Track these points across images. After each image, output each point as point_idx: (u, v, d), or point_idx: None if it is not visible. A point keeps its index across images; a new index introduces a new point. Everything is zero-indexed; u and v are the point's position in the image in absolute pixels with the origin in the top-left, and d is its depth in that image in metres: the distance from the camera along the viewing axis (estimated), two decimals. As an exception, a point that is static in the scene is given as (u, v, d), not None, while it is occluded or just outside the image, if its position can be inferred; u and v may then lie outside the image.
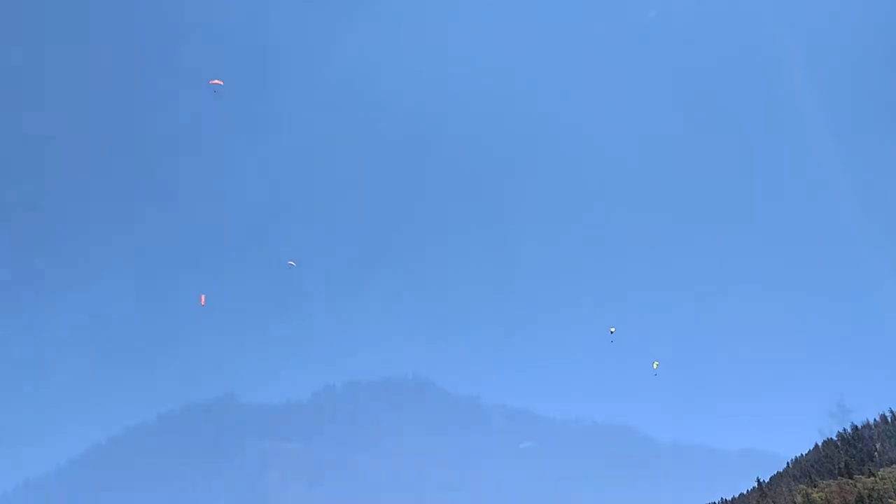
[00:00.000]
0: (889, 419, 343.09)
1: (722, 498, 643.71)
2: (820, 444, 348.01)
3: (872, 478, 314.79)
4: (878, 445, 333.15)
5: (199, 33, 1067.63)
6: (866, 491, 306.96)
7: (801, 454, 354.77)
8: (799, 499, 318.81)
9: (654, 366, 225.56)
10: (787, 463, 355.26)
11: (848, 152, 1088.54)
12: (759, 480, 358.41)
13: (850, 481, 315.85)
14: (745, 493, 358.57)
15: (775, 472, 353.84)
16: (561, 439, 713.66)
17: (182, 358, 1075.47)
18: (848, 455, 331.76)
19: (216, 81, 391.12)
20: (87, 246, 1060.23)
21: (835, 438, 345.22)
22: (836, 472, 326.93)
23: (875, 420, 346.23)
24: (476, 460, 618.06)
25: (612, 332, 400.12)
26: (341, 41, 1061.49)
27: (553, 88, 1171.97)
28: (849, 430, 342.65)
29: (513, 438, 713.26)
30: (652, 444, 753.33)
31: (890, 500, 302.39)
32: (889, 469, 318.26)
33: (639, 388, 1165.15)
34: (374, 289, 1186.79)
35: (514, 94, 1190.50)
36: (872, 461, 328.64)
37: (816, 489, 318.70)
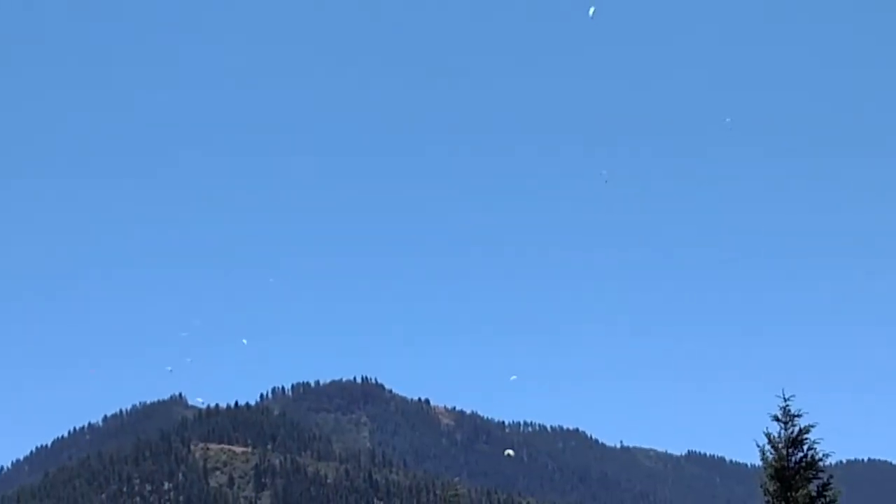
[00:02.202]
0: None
1: None
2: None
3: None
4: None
5: None
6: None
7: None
8: None
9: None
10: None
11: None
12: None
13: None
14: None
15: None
16: (508, 444, 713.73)
17: (129, 360, 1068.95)
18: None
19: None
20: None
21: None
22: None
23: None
24: (426, 464, 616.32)
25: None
26: None
27: None
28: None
29: (463, 442, 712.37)
30: (600, 448, 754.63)
31: None
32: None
33: (584, 387, 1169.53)
34: (323, 291, 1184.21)
35: None
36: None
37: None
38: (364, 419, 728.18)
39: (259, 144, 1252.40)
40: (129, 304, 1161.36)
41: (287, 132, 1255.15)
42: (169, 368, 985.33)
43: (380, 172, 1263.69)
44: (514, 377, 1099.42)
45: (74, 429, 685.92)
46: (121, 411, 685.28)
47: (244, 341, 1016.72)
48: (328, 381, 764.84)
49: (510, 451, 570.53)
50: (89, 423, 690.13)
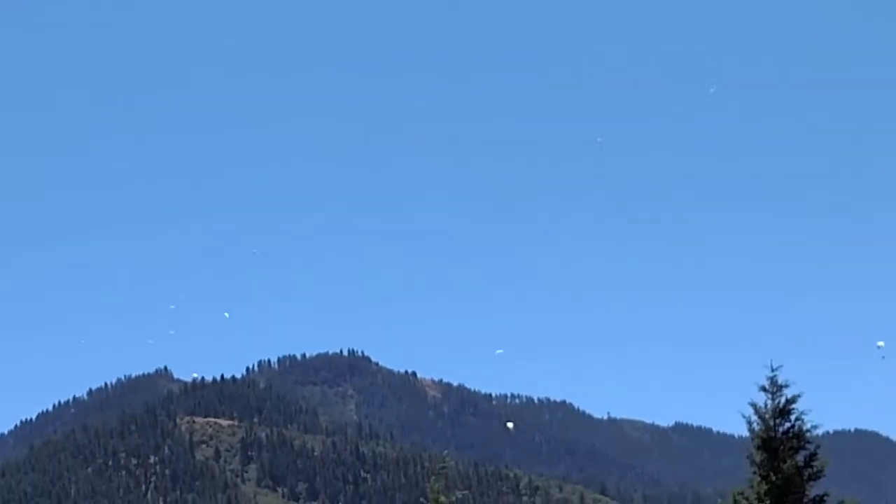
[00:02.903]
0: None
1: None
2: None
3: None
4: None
5: None
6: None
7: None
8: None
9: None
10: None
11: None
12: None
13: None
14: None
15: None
16: (495, 416, 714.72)
17: (113, 333, 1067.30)
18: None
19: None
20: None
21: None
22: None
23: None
24: (413, 436, 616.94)
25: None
26: None
27: None
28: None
29: (450, 414, 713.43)
30: (588, 420, 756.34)
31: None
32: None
33: (571, 360, 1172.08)
34: (309, 264, 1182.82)
35: None
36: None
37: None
38: (351, 392, 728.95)
39: (243, 115, 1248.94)
40: (114, 278, 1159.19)
41: (271, 100, 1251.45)
42: (150, 341, 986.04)
43: (365, 143, 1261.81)
44: (500, 351, 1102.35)
45: (59, 402, 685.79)
46: (106, 385, 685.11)
47: (226, 314, 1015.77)
48: (314, 353, 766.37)
49: (510, 424, 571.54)
50: (74, 397, 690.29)
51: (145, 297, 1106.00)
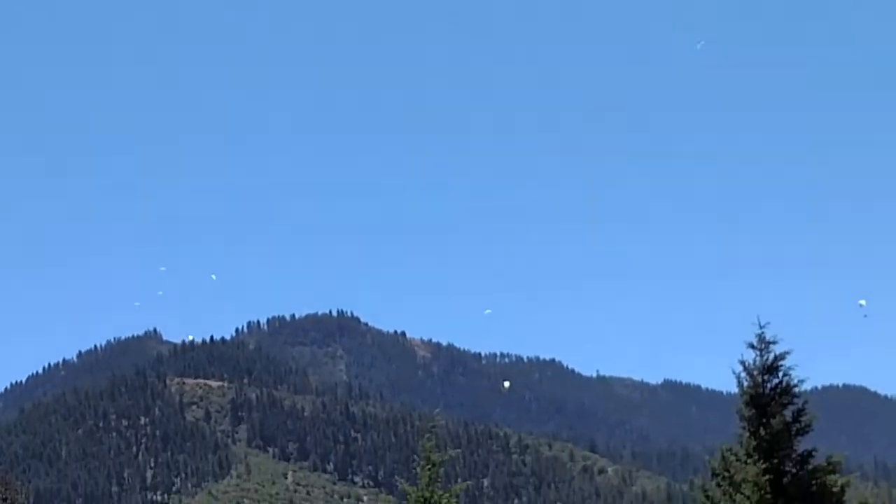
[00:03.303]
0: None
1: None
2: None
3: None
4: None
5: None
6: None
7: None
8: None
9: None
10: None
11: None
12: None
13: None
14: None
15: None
16: (485, 375, 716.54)
17: (104, 296, 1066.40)
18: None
19: None
20: None
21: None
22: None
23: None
24: (403, 396, 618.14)
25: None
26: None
27: None
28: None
29: (440, 373, 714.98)
30: (577, 378, 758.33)
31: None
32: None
33: (560, 318, 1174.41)
34: (298, 224, 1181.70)
35: None
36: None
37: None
38: (340, 352, 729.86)
39: (231, 68, 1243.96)
40: (102, 240, 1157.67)
41: (256, 41, 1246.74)
42: (137, 304, 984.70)
43: (354, 96, 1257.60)
44: (488, 311, 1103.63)
45: (49, 365, 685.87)
46: (95, 347, 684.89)
47: (213, 276, 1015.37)
48: (304, 314, 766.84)
49: (507, 383, 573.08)
50: (64, 359, 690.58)
51: (134, 260, 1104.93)
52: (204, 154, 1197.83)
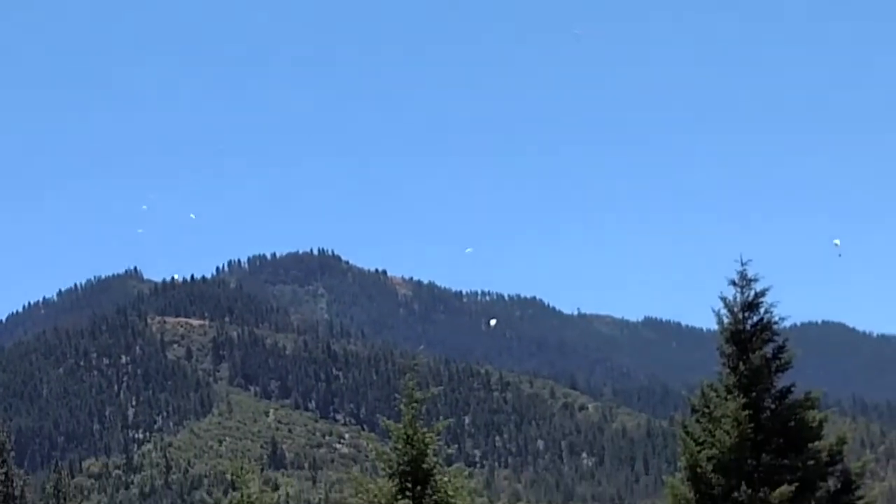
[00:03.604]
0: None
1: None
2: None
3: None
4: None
5: None
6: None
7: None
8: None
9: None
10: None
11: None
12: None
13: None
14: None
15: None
16: (466, 313, 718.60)
17: (84, 234, 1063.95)
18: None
19: None
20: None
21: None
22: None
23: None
24: (384, 334, 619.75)
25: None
26: None
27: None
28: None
29: (421, 312, 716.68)
30: (558, 315, 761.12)
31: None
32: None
33: (541, 256, 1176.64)
34: (277, 161, 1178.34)
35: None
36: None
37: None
38: (321, 291, 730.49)
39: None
40: (83, 177, 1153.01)
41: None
42: (116, 242, 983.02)
43: (341, 36, 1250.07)
44: (469, 250, 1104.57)
45: (29, 303, 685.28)
46: (75, 286, 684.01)
47: (192, 216, 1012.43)
48: (284, 253, 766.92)
49: (493, 321, 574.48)
50: (44, 298, 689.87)
51: (114, 198, 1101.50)
52: (185, 89, 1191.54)
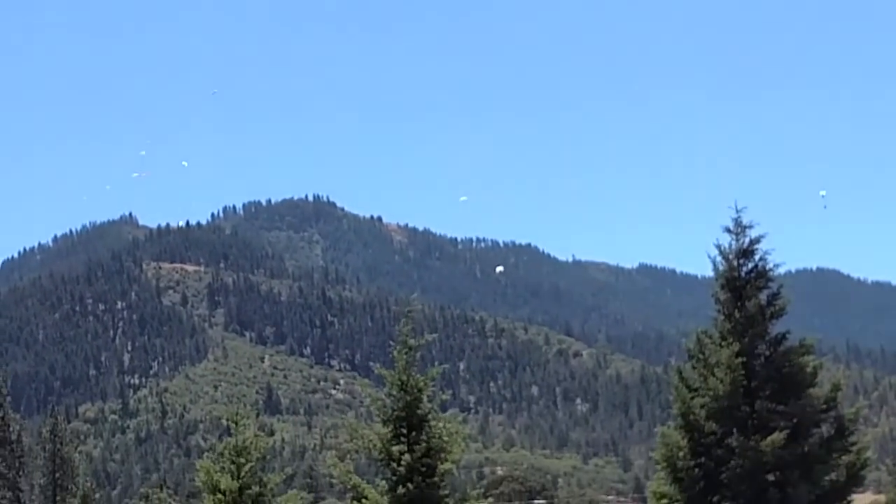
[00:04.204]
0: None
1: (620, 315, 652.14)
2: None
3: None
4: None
5: None
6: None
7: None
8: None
9: None
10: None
11: None
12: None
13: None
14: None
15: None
16: (461, 259, 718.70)
17: (79, 178, 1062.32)
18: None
19: None
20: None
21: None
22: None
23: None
24: (379, 281, 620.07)
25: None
26: None
27: None
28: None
29: (416, 258, 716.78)
30: (552, 262, 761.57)
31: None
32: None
33: (536, 203, 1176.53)
34: (272, 106, 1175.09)
35: None
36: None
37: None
38: (316, 237, 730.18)
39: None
40: (78, 122, 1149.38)
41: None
42: (107, 187, 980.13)
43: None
44: (464, 198, 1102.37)
45: (24, 249, 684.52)
46: (71, 231, 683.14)
47: (184, 163, 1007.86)
48: (280, 199, 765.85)
49: (500, 268, 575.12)
50: (39, 244, 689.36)
51: (110, 143, 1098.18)
52: (180, 35, 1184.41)
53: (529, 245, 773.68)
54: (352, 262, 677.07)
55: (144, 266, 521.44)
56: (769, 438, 34.74)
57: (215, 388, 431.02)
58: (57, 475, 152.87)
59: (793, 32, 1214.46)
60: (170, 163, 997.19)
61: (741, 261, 37.88)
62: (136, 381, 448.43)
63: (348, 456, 41.82)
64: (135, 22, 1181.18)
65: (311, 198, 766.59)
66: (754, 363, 36.49)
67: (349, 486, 35.35)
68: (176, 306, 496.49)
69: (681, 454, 36.25)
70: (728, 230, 38.12)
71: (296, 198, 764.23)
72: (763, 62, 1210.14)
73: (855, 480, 36.18)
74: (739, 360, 35.80)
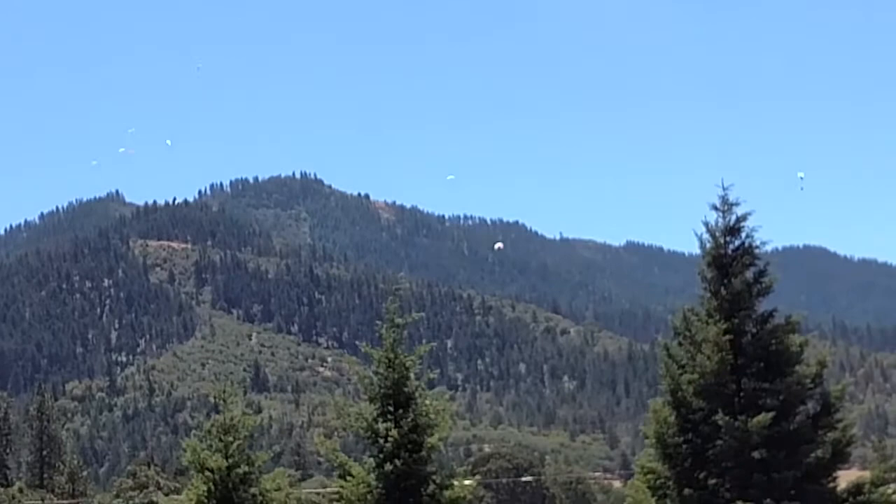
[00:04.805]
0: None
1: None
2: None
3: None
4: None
5: None
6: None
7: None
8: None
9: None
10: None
11: None
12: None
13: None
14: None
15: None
16: (448, 237, 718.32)
17: (65, 156, 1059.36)
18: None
19: None
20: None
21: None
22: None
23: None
24: (367, 258, 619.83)
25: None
26: None
27: None
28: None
29: (403, 236, 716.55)
30: (540, 240, 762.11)
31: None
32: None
33: (524, 180, 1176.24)
34: (258, 83, 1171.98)
35: None
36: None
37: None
38: (304, 214, 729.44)
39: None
40: (64, 99, 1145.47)
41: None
42: (94, 162, 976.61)
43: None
44: (451, 177, 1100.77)
45: (10, 226, 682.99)
46: (57, 208, 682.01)
47: (168, 142, 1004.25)
48: (267, 176, 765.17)
49: (499, 244, 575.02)
50: (25, 221, 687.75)
51: (96, 119, 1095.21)
52: (166, 11, 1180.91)
53: (517, 223, 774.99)
54: (339, 240, 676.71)
55: (131, 243, 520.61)
56: (756, 419, 34.80)
57: (203, 365, 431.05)
58: (44, 452, 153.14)
59: (774, 9, 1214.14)
60: (156, 140, 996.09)
61: (728, 238, 37.89)
62: (124, 359, 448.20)
63: (335, 433, 41.91)
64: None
65: (298, 175, 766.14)
66: (741, 341, 36.54)
67: (336, 464, 35.43)
68: (163, 284, 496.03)
69: (670, 431, 36.35)
70: (715, 207, 38.12)
71: (283, 175, 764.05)
72: (748, 40, 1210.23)
73: (841, 457, 36.26)
74: (726, 338, 35.85)
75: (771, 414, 35.07)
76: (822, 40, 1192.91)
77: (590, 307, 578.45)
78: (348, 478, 34.54)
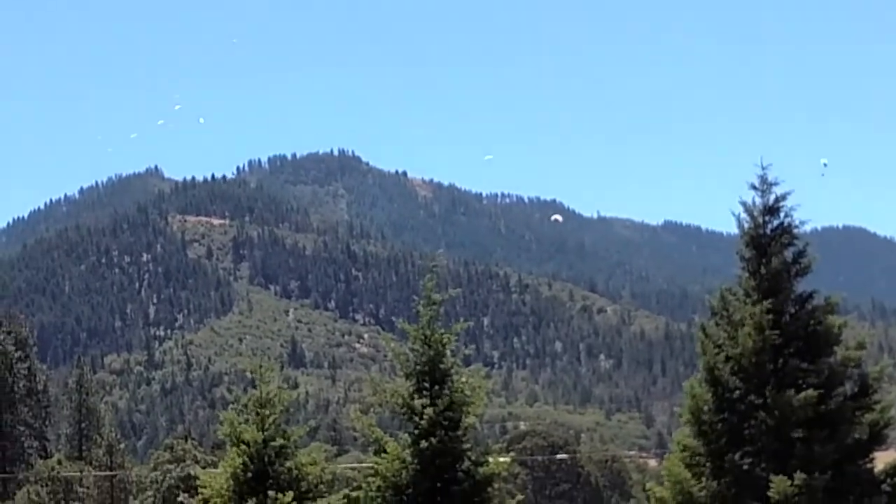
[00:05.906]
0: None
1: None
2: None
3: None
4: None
5: None
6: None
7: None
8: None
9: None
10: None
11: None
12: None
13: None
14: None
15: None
16: (485, 215, 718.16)
17: (105, 132, 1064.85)
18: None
19: None
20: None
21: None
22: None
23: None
24: (404, 235, 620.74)
25: None
26: None
27: None
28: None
29: (441, 213, 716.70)
30: (577, 218, 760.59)
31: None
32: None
33: (561, 158, 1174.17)
34: (296, 60, 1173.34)
35: None
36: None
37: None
38: (341, 191, 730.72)
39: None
40: (106, 74, 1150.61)
41: None
42: (133, 135, 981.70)
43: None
44: (489, 157, 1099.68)
45: (50, 200, 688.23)
46: (96, 183, 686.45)
47: (201, 120, 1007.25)
48: (305, 153, 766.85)
49: (558, 217, 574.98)
50: (65, 195, 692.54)
51: (135, 92, 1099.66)
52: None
53: (554, 201, 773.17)
54: (376, 217, 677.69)
55: (170, 219, 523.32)
56: (801, 394, 34.70)
57: (240, 340, 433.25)
58: (83, 425, 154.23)
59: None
60: (195, 115, 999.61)
61: (766, 218, 37.61)
62: (162, 333, 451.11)
63: (371, 409, 42.04)
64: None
65: (336, 152, 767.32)
66: (780, 321, 36.37)
67: (372, 440, 35.53)
68: (201, 259, 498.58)
69: (705, 408, 36.29)
70: (753, 187, 37.83)
71: (321, 152, 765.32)
72: (789, 15, 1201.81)
73: (878, 439, 36.09)
74: (769, 317, 35.70)
75: (818, 391, 34.97)
76: (869, 17, 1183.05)
77: (627, 286, 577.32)
78: (383, 454, 34.64)
